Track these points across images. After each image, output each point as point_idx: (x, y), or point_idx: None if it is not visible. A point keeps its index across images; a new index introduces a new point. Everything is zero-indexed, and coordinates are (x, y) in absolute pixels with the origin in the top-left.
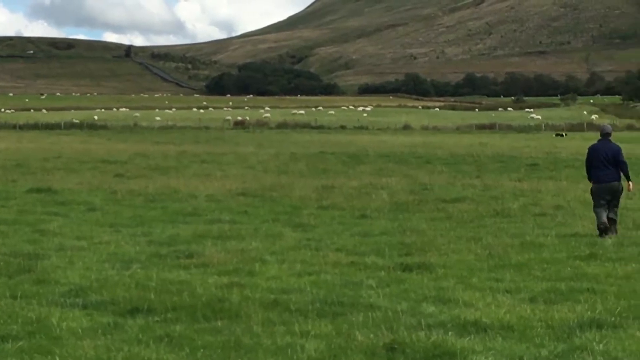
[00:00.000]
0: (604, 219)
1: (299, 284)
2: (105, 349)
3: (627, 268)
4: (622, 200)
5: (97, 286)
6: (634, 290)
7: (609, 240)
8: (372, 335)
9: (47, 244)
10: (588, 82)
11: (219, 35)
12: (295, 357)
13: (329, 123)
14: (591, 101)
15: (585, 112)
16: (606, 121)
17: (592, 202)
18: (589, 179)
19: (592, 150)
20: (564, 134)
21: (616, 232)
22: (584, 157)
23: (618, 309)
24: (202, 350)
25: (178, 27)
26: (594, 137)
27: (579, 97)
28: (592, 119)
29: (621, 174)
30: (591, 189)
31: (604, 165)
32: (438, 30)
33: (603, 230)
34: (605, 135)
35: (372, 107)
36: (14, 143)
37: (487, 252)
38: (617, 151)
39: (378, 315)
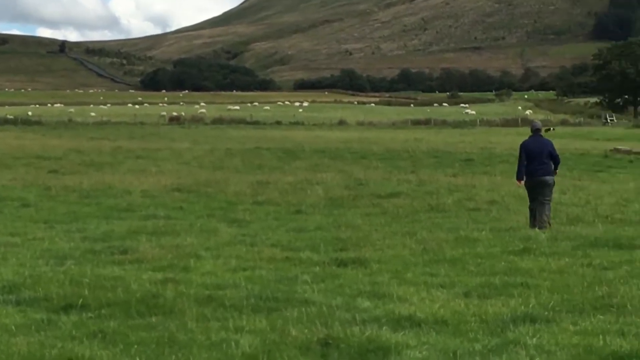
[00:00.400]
0: (538, 210)
1: (234, 280)
2: (38, 345)
3: (560, 262)
4: (557, 196)
5: (30, 282)
6: (567, 285)
7: (542, 235)
8: (306, 331)
9: None
10: (523, 77)
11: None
12: (229, 352)
13: (265, 119)
14: (525, 97)
15: (519, 108)
16: (540, 116)
17: (526, 197)
18: (519, 176)
19: (525, 146)
20: (552, 128)
21: (549, 225)
22: (518, 153)
23: (551, 303)
24: (136, 346)
25: (113, 22)
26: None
27: (514, 92)
28: (527, 114)
29: (552, 168)
30: (524, 183)
31: (537, 161)
32: (373, 26)
33: (535, 222)
34: (536, 131)
35: (307, 102)
36: None
37: (422, 247)
38: (550, 146)
39: (313, 310)
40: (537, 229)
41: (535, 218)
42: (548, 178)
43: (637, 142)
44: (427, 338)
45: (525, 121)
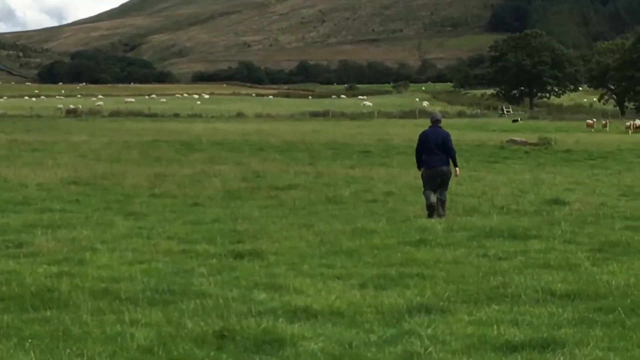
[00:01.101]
0: (433, 200)
1: (130, 273)
2: None
3: (456, 253)
4: (453, 186)
5: None
6: (462, 275)
7: (438, 225)
8: (202, 323)
9: None
10: (420, 69)
11: (50, 23)
12: (124, 345)
13: (163, 111)
14: (423, 88)
15: (417, 99)
16: (437, 108)
17: (422, 188)
18: (418, 165)
19: (423, 137)
20: (519, 119)
21: (445, 214)
22: (415, 144)
23: (446, 294)
24: (30, 340)
25: (8, 14)
26: (427, 124)
27: (411, 84)
28: (424, 105)
29: (449, 159)
30: (422, 174)
31: (434, 151)
32: (271, 18)
33: (431, 212)
34: (435, 122)
35: (206, 95)
36: None
37: (319, 239)
38: (447, 138)
39: (209, 302)
40: (433, 219)
41: (434, 210)
42: (444, 168)
43: (532, 133)
44: (322, 329)
45: (423, 113)
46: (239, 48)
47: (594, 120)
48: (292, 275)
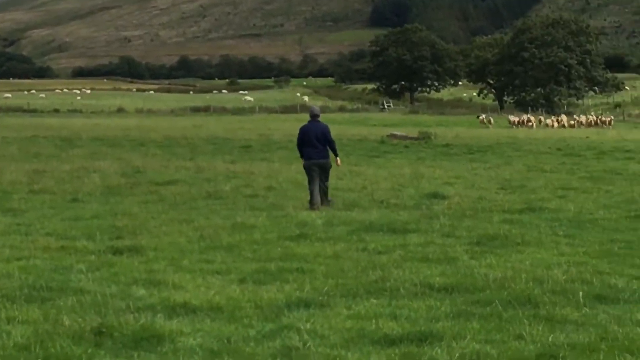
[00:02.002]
0: (316, 192)
1: (7, 270)
2: None
3: (335, 247)
4: (333, 181)
5: None
6: (341, 269)
7: (318, 220)
8: (80, 320)
9: None
10: (301, 64)
11: None
12: (0, 344)
13: (42, 107)
14: (304, 83)
15: (298, 94)
16: (319, 103)
17: (303, 183)
18: (302, 157)
19: (303, 131)
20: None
21: (328, 202)
22: (296, 138)
23: (326, 288)
24: None
25: None
26: (307, 119)
27: (293, 79)
28: (305, 100)
29: (330, 152)
30: (303, 165)
31: (314, 145)
32: (152, 13)
33: (314, 204)
34: (314, 116)
35: (86, 90)
36: None
37: (199, 234)
38: (326, 130)
39: (87, 299)
40: (315, 211)
41: (316, 201)
42: (324, 161)
43: (412, 127)
44: (201, 325)
45: (304, 108)
46: (120, 43)
47: (483, 116)
48: (171, 271)
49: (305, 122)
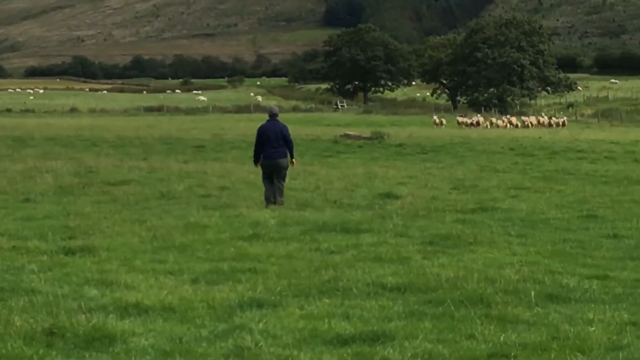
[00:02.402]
0: (271, 191)
1: None
2: None
3: (288, 247)
4: (287, 181)
5: None
6: (294, 269)
7: (272, 220)
8: (31, 320)
9: None
10: (255, 64)
11: None
12: None
13: None
14: (258, 83)
15: (252, 94)
16: (272, 103)
17: (256, 183)
18: (256, 158)
19: (262, 130)
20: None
21: (283, 202)
22: (250, 138)
23: (278, 288)
24: None
25: None
26: (261, 118)
27: (246, 79)
28: (259, 100)
29: (287, 151)
30: (261, 164)
31: (273, 144)
32: (105, 13)
33: (270, 202)
34: (273, 116)
35: (39, 90)
36: None
37: (152, 234)
38: (285, 131)
39: (39, 299)
40: (269, 210)
41: (272, 199)
42: (282, 161)
43: (366, 127)
44: (153, 325)
45: (258, 108)
46: (73, 43)
47: (435, 117)
48: (123, 271)
49: (263, 122)
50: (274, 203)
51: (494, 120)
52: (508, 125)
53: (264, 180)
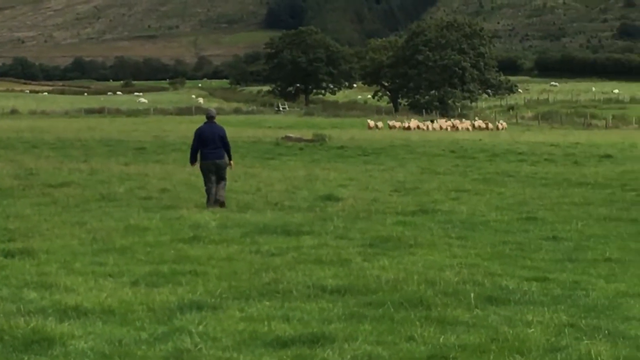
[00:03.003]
0: (213, 191)
1: None
2: None
3: (229, 249)
4: (228, 183)
5: None
6: (234, 272)
7: (212, 222)
8: None
9: None
10: (196, 66)
11: None
12: None
13: None
14: (199, 85)
15: (193, 96)
16: (214, 105)
17: (197, 184)
18: (192, 159)
19: (200, 132)
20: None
21: (224, 199)
22: (191, 141)
23: (219, 290)
24: None
25: None
26: (203, 120)
27: (188, 81)
28: (200, 102)
29: (224, 153)
30: (200, 166)
31: (210, 146)
32: (46, 14)
33: (210, 201)
34: (210, 118)
35: None
36: None
37: (92, 237)
38: (223, 133)
39: None
40: (210, 213)
41: (211, 199)
42: (220, 161)
43: (307, 129)
44: (93, 328)
45: (199, 110)
46: (13, 44)
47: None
48: (63, 273)
49: (201, 124)
50: (216, 200)
51: (429, 124)
52: (448, 128)
53: (206, 183)
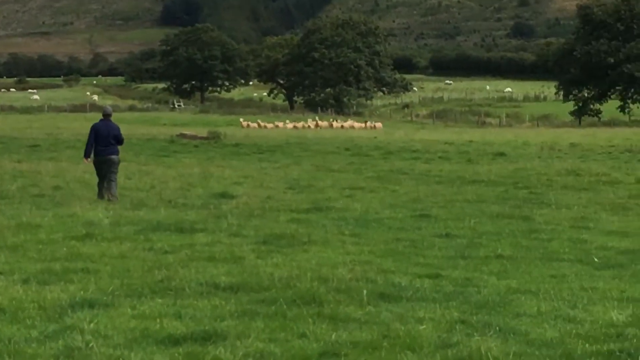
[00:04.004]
0: (104, 185)
1: None
2: None
3: (122, 247)
4: (122, 181)
5: None
6: (127, 269)
7: (105, 220)
8: None
9: None
10: (91, 63)
11: None
12: None
13: None
14: (94, 82)
15: (88, 93)
16: (109, 102)
17: (90, 182)
18: (86, 154)
19: (96, 128)
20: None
21: (117, 197)
22: (85, 138)
23: (111, 288)
24: None
25: None
26: (97, 118)
27: (83, 78)
28: (95, 99)
29: (119, 149)
30: (94, 162)
31: (104, 142)
32: None
33: (102, 195)
34: (106, 115)
35: None
36: None
37: None
38: (117, 131)
39: None
40: (103, 210)
41: (103, 193)
42: (114, 157)
43: (203, 127)
44: None
45: (94, 107)
46: None
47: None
48: None
49: (96, 121)
50: (108, 199)
51: (280, 124)
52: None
53: (99, 177)
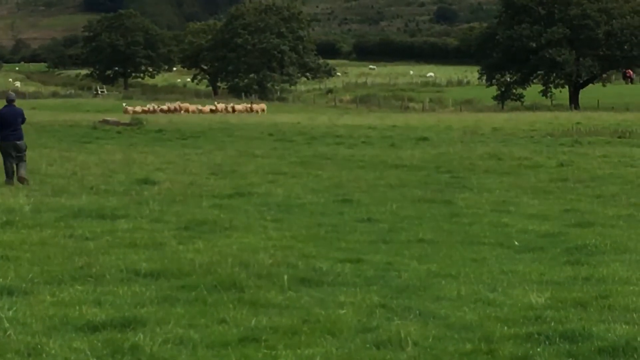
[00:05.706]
0: (13, 169)
1: None
2: None
3: (42, 234)
4: (43, 167)
5: None
6: (47, 256)
7: (26, 207)
8: None
9: None
10: (14, 49)
11: None
12: None
13: None
14: (17, 68)
15: (10, 80)
16: (31, 88)
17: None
18: None
19: (2, 114)
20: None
21: (28, 179)
22: None
23: (30, 275)
24: None
25: None
26: (19, 104)
27: (5, 64)
28: (17, 86)
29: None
30: (0, 147)
31: (11, 127)
32: None
33: (10, 176)
34: (10, 101)
35: None
36: None
37: None
38: (22, 114)
39: None
40: (24, 197)
41: (10, 176)
42: (20, 142)
43: (126, 113)
44: None
45: (16, 93)
46: None
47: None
48: None
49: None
50: (18, 179)
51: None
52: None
53: (5, 162)
